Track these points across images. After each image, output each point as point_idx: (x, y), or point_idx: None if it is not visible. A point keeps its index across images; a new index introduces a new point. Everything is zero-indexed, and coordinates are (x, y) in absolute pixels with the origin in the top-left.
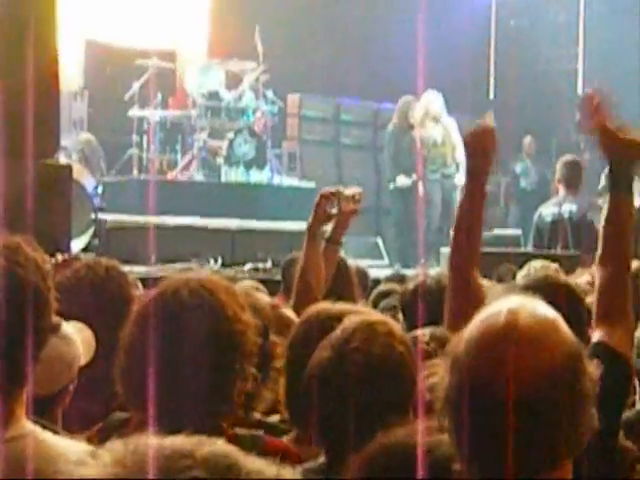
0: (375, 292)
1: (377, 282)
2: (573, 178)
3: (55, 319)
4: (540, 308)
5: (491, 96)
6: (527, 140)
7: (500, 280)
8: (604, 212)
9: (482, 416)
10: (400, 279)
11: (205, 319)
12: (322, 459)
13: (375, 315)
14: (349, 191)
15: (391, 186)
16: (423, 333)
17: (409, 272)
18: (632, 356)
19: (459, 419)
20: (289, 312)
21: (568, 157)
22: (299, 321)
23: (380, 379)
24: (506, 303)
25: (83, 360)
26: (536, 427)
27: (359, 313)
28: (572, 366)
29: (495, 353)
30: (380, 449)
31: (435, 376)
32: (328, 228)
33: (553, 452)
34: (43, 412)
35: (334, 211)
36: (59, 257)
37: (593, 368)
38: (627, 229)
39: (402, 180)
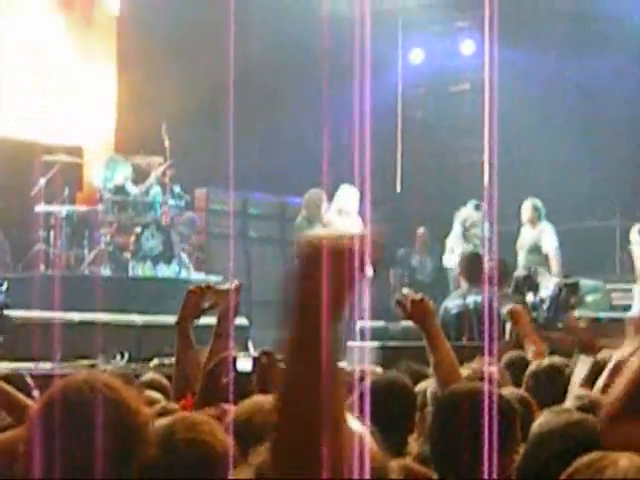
0: None
1: None
2: (473, 271)
3: None
4: None
5: (398, 188)
6: (420, 231)
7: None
8: None
9: None
10: None
11: (107, 414)
12: None
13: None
14: (228, 285)
15: None
16: None
17: None
18: None
19: None
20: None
21: (467, 250)
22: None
23: None
24: None
25: None
26: None
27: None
28: None
29: None
30: None
31: None
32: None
33: None
34: None
35: (206, 305)
36: None
37: None
38: None
39: None
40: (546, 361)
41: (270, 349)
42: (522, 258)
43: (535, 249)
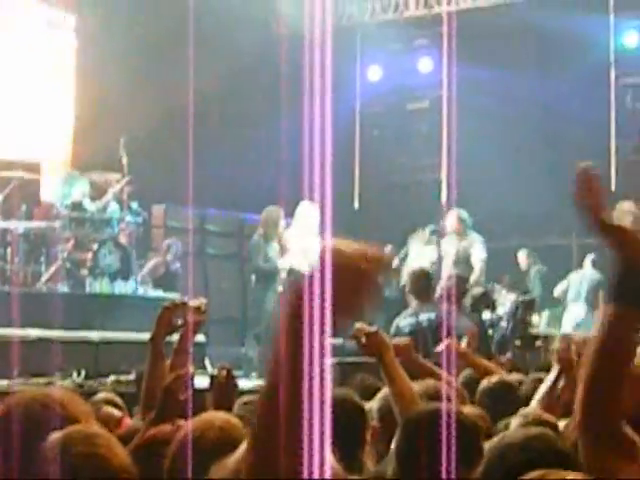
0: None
1: (241, 393)
2: (422, 288)
3: None
4: None
5: (356, 206)
6: (387, 249)
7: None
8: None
9: None
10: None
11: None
12: None
13: None
14: (194, 302)
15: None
16: None
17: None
18: None
19: None
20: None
21: (416, 267)
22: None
23: None
24: None
25: None
26: None
27: None
28: None
29: None
30: None
31: None
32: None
33: None
34: None
35: (180, 322)
36: None
37: None
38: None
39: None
40: (496, 378)
41: (227, 366)
42: (446, 268)
43: (463, 260)
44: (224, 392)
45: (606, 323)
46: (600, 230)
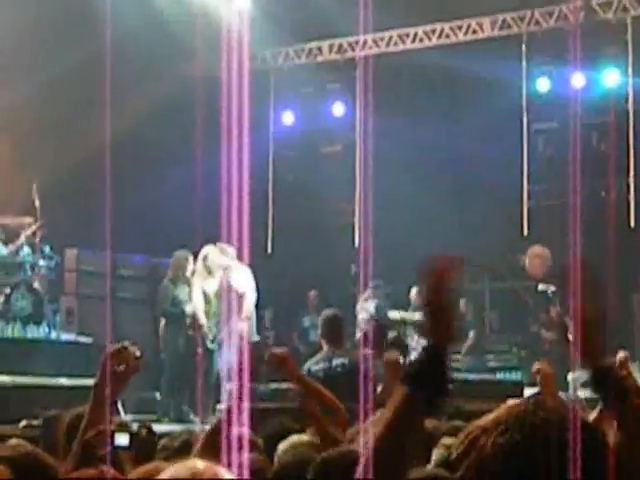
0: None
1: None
2: (334, 333)
3: None
4: None
5: (269, 250)
6: (312, 294)
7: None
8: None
9: None
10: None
11: None
12: None
13: None
14: (132, 348)
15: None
16: None
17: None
18: None
19: None
20: None
21: (327, 312)
22: None
23: None
24: None
25: None
26: None
27: None
28: None
29: None
30: None
31: None
32: None
33: None
34: None
35: (122, 368)
36: None
37: None
38: None
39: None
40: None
41: (148, 425)
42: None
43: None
44: (144, 450)
45: (397, 402)
46: (427, 306)
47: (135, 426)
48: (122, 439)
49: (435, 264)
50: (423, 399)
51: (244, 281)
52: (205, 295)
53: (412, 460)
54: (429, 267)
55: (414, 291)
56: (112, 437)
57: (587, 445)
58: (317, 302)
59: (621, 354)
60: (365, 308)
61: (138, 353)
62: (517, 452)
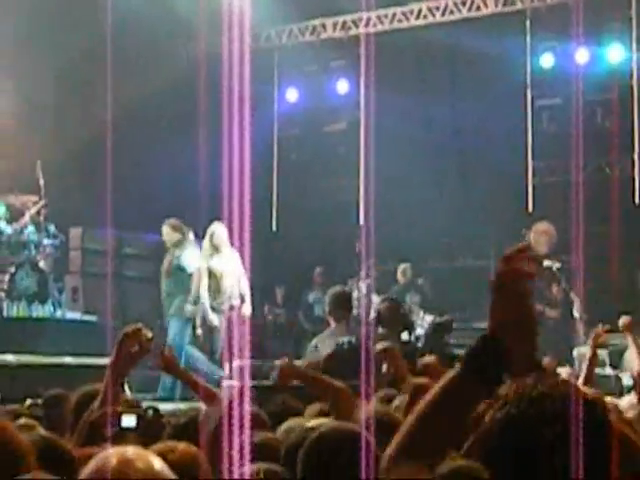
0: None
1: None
2: (340, 310)
3: None
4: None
5: (274, 228)
6: (317, 271)
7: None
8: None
9: None
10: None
11: None
12: None
13: None
14: (145, 330)
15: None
16: None
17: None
18: None
19: None
20: None
21: (334, 289)
22: None
23: None
24: None
25: None
26: None
27: None
28: None
29: None
30: None
31: None
32: None
33: None
34: None
35: (135, 349)
36: None
37: None
38: None
39: (189, 309)
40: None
41: (155, 406)
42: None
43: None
44: (151, 431)
45: (447, 380)
46: (495, 289)
47: (145, 404)
48: (129, 420)
49: (509, 268)
50: (481, 385)
51: (225, 265)
52: (211, 272)
53: (459, 440)
54: (503, 270)
55: (401, 268)
56: (119, 419)
57: (587, 421)
58: (322, 279)
59: (625, 318)
60: (359, 287)
61: (150, 335)
62: (513, 426)
